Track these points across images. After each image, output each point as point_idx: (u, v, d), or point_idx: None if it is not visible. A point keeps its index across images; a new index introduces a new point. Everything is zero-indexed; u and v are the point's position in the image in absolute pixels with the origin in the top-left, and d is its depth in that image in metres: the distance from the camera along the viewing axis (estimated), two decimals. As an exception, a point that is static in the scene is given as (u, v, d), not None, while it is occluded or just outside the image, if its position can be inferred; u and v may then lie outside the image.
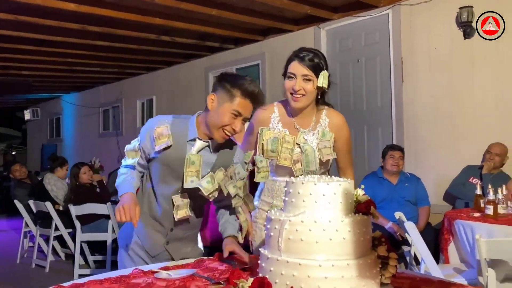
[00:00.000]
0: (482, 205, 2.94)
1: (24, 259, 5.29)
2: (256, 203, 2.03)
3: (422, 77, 4.40)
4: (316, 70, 1.85)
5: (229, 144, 1.81)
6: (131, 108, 8.52)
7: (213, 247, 1.93)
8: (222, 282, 1.35)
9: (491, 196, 2.81)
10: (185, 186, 1.71)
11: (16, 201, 5.22)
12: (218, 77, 1.75)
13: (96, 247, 4.76)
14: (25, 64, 6.91)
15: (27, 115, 11.75)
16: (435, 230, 3.74)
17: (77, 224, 4.46)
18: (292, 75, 1.86)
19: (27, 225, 5.30)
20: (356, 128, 4.85)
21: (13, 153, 14.73)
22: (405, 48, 4.50)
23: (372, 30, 4.82)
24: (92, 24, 4.96)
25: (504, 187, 3.01)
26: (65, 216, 4.78)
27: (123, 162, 1.86)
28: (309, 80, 1.84)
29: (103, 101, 9.46)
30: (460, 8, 4.02)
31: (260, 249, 1.30)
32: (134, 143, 1.82)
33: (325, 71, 1.87)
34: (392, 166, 3.93)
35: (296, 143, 1.90)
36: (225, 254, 1.67)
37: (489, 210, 2.77)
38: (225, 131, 1.70)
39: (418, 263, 3.06)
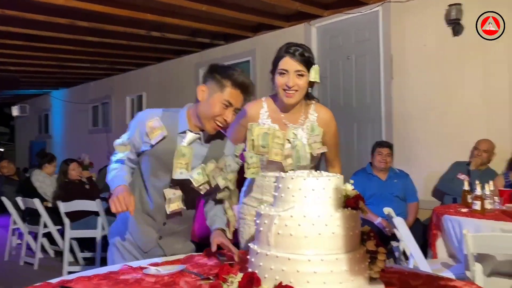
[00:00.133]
0: (469, 200, 2.97)
1: (12, 256, 5.24)
2: (244, 199, 2.03)
3: (412, 74, 4.43)
4: (308, 64, 1.86)
5: (220, 135, 1.81)
6: (121, 104, 8.46)
7: (202, 244, 1.93)
8: (211, 278, 1.35)
9: (478, 191, 2.84)
10: (174, 177, 1.71)
11: (3, 198, 5.16)
12: (208, 68, 1.75)
13: (86, 244, 4.73)
14: (13, 60, 6.82)
15: (15, 111, 11.60)
16: (423, 226, 3.78)
17: (66, 221, 4.43)
18: (285, 71, 1.85)
19: (15, 222, 5.24)
20: (346, 124, 4.88)
21: (1, 149, 14.55)
22: (395, 45, 4.53)
23: (362, 27, 4.84)
24: (81, 19, 4.91)
25: (491, 183, 3.05)
26: (54, 213, 4.74)
27: (113, 158, 1.85)
28: (301, 75, 1.85)
29: (93, 97, 9.38)
30: (449, 6, 4.06)
31: (249, 244, 1.30)
32: (124, 137, 1.81)
33: (316, 65, 1.88)
34: (379, 163, 3.96)
35: (286, 139, 1.91)
36: (213, 248, 1.66)
37: (477, 206, 2.80)
38: (217, 122, 1.70)
39: (407, 258, 3.09)
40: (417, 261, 2.66)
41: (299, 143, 1.89)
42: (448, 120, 4.19)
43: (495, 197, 2.99)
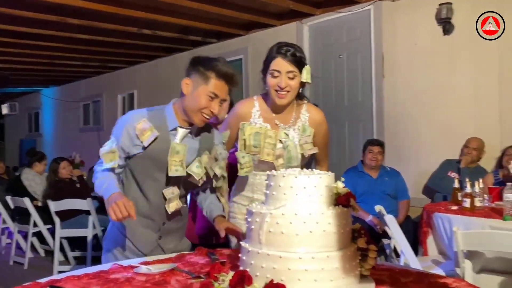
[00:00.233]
0: (459, 198, 2.99)
1: (1, 256, 5.19)
2: (235, 198, 2.03)
3: (403, 73, 4.45)
4: (300, 65, 1.85)
5: (207, 127, 1.82)
6: (112, 102, 8.41)
7: (201, 244, 1.94)
8: (202, 276, 1.35)
9: (468, 189, 2.86)
10: (170, 174, 1.70)
11: (-7, 197, 5.11)
12: (191, 61, 1.74)
13: (76, 243, 4.70)
14: (2, 57, 6.74)
15: (4, 109, 11.46)
16: (414, 223, 3.80)
17: (57, 220, 4.39)
18: (277, 72, 1.84)
19: (4, 221, 5.19)
20: (338, 123, 4.90)
21: (-10, 148, 14.37)
22: (386, 43, 4.55)
23: (354, 26, 4.86)
24: (71, 17, 4.86)
25: (481, 180, 3.07)
26: (44, 212, 4.70)
27: (99, 168, 1.76)
28: (294, 76, 1.84)
29: (84, 96, 9.30)
30: (439, 5, 4.08)
31: (241, 242, 1.30)
32: (109, 144, 1.74)
33: (307, 65, 1.88)
34: (370, 161, 3.98)
35: (278, 139, 1.91)
36: (222, 234, 1.70)
37: (466, 203, 2.82)
38: (204, 115, 1.70)
39: (397, 255, 3.11)
40: (408, 258, 2.68)
41: (290, 143, 1.89)
42: (439, 119, 4.22)
43: (484, 195, 3.02)
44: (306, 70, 1.86)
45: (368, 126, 4.75)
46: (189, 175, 1.75)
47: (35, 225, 4.73)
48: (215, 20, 5.34)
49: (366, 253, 1.27)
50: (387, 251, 3.44)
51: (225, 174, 1.85)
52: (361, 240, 1.27)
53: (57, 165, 4.84)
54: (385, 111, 4.58)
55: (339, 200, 1.28)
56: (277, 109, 1.93)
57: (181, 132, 1.75)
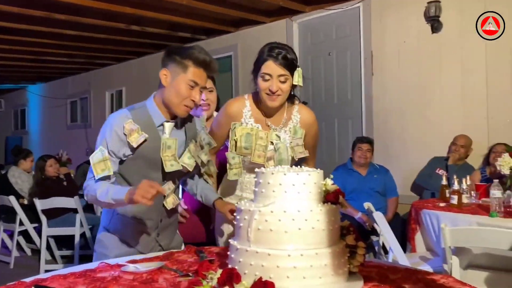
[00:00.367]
0: (447, 195, 3.02)
1: (-13, 255, 5.11)
2: (223, 197, 2.02)
3: (391, 71, 4.48)
4: (291, 68, 1.83)
5: (188, 116, 1.79)
6: (100, 99, 8.32)
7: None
8: (190, 274, 1.34)
9: (456, 186, 2.89)
10: (167, 170, 1.69)
11: (-22, 196, 5.02)
12: (167, 52, 1.72)
13: (64, 242, 4.64)
14: (-13, 53, 6.63)
15: (-11, 106, 11.31)
16: (402, 220, 3.83)
17: (43, 219, 4.33)
18: (268, 76, 1.81)
19: (-11, 220, 5.11)
20: (327, 120, 4.91)
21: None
22: (375, 41, 4.57)
23: (343, 23, 4.87)
24: (58, 12, 4.79)
25: (468, 177, 3.11)
26: (30, 211, 4.64)
27: (92, 180, 1.65)
28: (285, 79, 1.82)
29: (71, 92, 9.19)
30: (428, 3, 4.11)
31: (229, 240, 1.29)
32: (98, 153, 1.64)
33: (299, 68, 1.86)
34: (359, 158, 4.00)
35: (270, 141, 1.89)
36: (230, 216, 1.71)
37: (454, 200, 2.85)
38: (186, 106, 1.68)
39: (386, 252, 3.13)
40: (396, 255, 2.69)
41: (281, 145, 1.88)
42: (427, 116, 4.25)
43: (472, 192, 3.05)
44: (298, 73, 1.84)
45: (357, 123, 4.77)
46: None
47: (21, 223, 4.66)
48: (204, 17, 5.31)
49: (354, 250, 1.27)
50: (376, 248, 3.46)
51: (210, 158, 1.87)
52: (350, 237, 1.27)
53: (43, 162, 4.77)
54: (374, 108, 4.60)
55: (328, 197, 1.28)
56: (268, 111, 1.92)
57: (168, 126, 1.73)
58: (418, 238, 3.05)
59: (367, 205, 3.24)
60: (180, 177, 1.84)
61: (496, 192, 2.56)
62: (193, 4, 4.64)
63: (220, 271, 1.16)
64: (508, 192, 2.74)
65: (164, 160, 1.68)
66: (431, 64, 4.22)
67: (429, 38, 4.19)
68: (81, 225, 4.29)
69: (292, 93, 1.92)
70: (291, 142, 1.91)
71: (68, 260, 4.54)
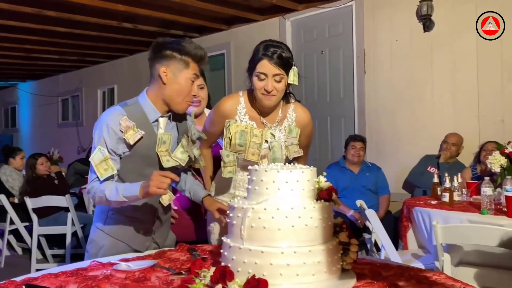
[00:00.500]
0: (439, 193, 3.04)
1: (-23, 254, 5.05)
2: (215, 194, 2.01)
3: (384, 69, 4.49)
4: (287, 67, 1.82)
5: None
6: (92, 97, 8.26)
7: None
8: (183, 272, 1.33)
9: (447, 184, 2.91)
10: (165, 166, 1.68)
11: (-33, 194, 4.95)
12: (157, 48, 1.70)
13: (55, 241, 4.61)
14: (-24, 50, 6.55)
15: (-21, 104, 11.18)
16: (394, 218, 3.85)
17: (34, 217, 4.29)
18: (263, 75, 1.81)
19: (-20, 219, 5.05)
20: (320, 118, 4.92)
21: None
22: (368, 40, 4.58)
23: (336, 21, 4.87)
24: (49, 9, 4.73)
25: (459, 175, 3.13)
26: (21, 209, 4.59)
27: (96, 181, 1.63)
28: (280, 79, 1.81)
29: (62, 90, 9.11)
30: (420, 2, 4.12)
31: (222, 238, 1.28)
32: (97, 154, 1.62)
33: (295, 67, 1.85)
34: (353, 156, 4.01)
35: (264, 139, 1.89)
36: (217, 215, 1.73)
37: (445, 198, 2.87)
38: (188, 101, 1.71)
39: (378, 249, 3.14)
40: (388, 252, 2.71)
41: (276, 144, 1.87)
42: (418, 114, 4.28)
43: (463, 189, 3.07)
44: (293, 72, 1.83)
45: (350, 121, 4.78)
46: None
47: (12, 222, 4.62)
48: (197, 14, 5.28)
49: (347, 247, 1.27)
50: (368, 245, 3.48)
51: (201, 153, 1.88)
52: (343, 234, 1.27)
53: (34, 161, 4.73)
54: (366, 107, 4.62)
55: (321, 195, 1.28)
56: (263, 109, 1.91)
57: (162, 121, 1.73)
58: (410, 235, 3.07)
59: (359, 202, 3.26)
60: (173, 173, 1.83)
61: (487, 190, 2.58)
62: (185, 2, 4.62)
63: (213, 269, 1.15)
64: (498, 189, 2.76)
65: (161, 156, 1.68)
66: (423, 63, 4.24)
67: (421, 36, 4.22)
68: (73, 224, 4.25)
69: (288, 91, 1.91)
70: (285, 141, 1.91)
71: (59, 260, 4.50)
